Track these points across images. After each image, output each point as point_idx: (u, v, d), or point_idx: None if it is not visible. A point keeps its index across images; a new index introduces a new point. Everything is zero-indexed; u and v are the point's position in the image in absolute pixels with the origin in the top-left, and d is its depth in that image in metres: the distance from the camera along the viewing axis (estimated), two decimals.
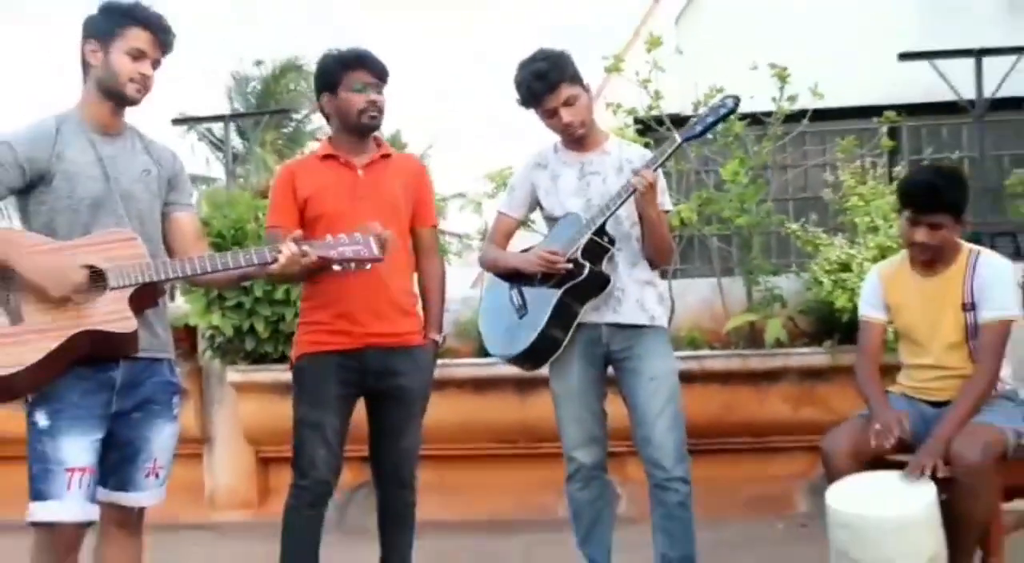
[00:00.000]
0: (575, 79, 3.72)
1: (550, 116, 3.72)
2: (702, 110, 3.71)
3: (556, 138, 3.89)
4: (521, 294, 3.80)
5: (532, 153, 3.95)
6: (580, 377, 3.80)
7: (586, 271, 3.66)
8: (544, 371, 3.88)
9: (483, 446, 5.55)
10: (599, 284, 3.70)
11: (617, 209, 3.67)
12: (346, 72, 3.62)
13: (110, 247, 2.91)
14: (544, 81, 3.66)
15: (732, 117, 5.60)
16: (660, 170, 3.70)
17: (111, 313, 2.85)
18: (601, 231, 3.68)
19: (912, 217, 3.62)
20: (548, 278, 3.72)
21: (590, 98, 3.81)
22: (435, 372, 3.84)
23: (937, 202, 3.59)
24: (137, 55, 3.00)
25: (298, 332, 3.70)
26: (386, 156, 3.74)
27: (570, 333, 3.73)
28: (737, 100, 3.74)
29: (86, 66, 3.04)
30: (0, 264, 2.81)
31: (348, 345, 3.57)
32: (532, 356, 3.80)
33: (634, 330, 3.76)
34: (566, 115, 3.70)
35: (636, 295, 3.77)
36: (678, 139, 3.73)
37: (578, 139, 3.79)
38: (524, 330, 3.75)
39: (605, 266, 3.71)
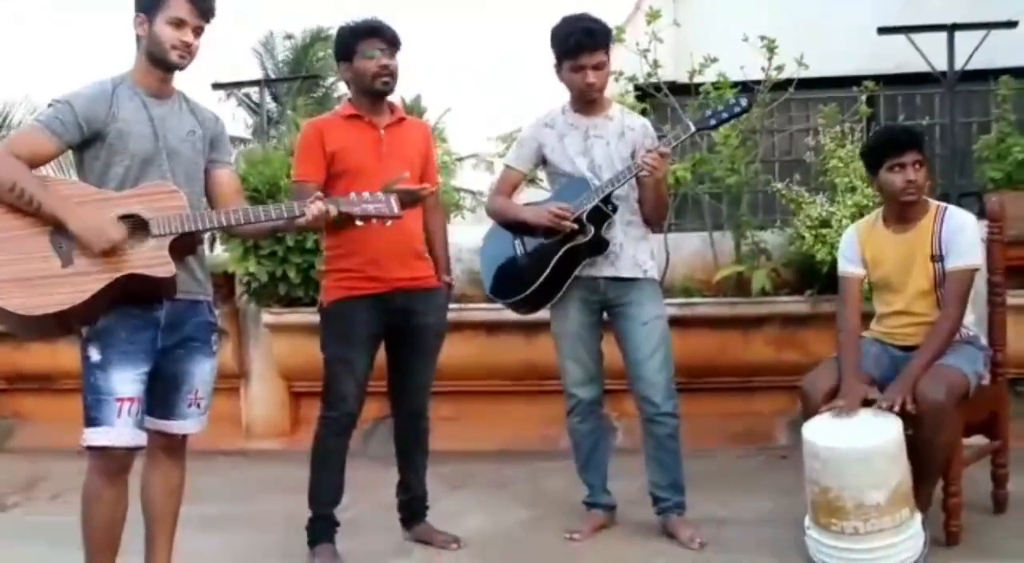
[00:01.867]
0: (608, 51, 3.73)
1: (577, 70, 3.70)
2: (719, 106, 3.72)
3: (563, 101, 3.87)
4: (524, 245, 3.81)
5: (540, 114, 3.92)
6: (579, 322, 3.82)
7: (590, 234, 3.67)
8: (546, 316, 3.90)
9: (494, 383, 5.57)
10: (599, 247, 3.71)
11: (626, 182, 3.67)
12: (359, 41, 3.61)
13: (155, 199, 2.90)
14: (592, 38, 3.66)
15: (730, 90, 5.59)
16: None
17: (153, 258, 2.85)
18: (607, 199, 3.68)
19: (895, 162, 3.60)
20: (551, 234, 3.72)
21: (610, 71, 3.82)
22: (452, 316, 3.87)
23: (912, 139, 3.63)
24: (178, 23, 2.97)
25: (327, 279, 3.71)
26: (402, 119, 3.75)
27: (565, 286, 3.75)
28: (750, 102, 3.76)
29: (138, 37, 3.02)
30: (54, 220, 2.81)
31: (378, 289, 3.59)
32: (529, 303, 3.84)
33: (629, 282, 3.77)
34: (591, 76, 3.69)
35: (631, 251, 3.78)
36: (692, 128, 3.73)
37: (588, 102, 3.77)
38: (524, 279, 3.77)
39: (604, 230, 3.71)
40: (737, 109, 3.74)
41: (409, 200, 3.32)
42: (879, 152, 3.67)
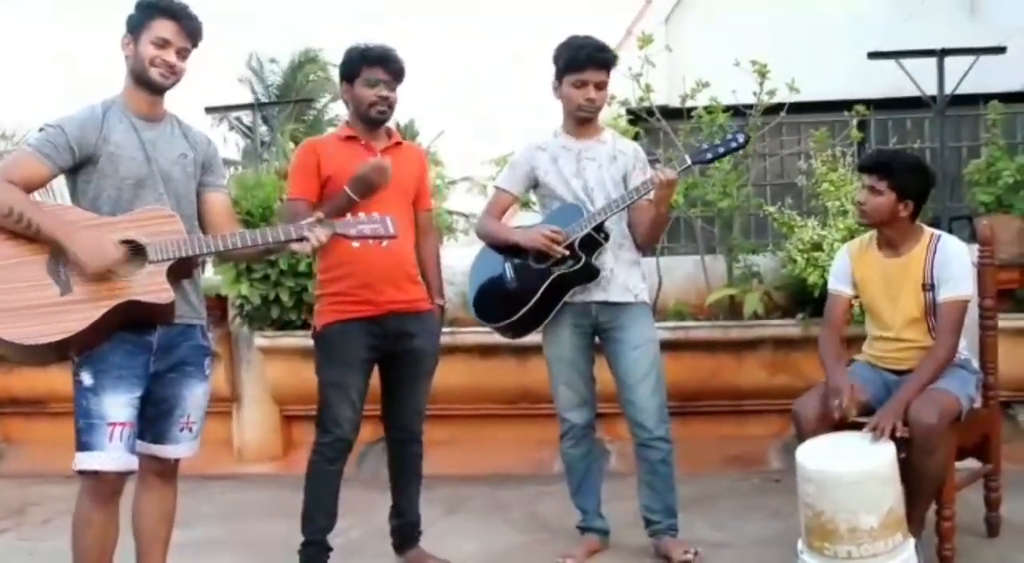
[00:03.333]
0: (609, 73, 3.78)
1: (579, 86, 3.73)
2: (716, 140, 3.75)
3: (556, 125, 3.90)
4: (514, 268, 3.81)
5: (533, 138, 3.95)
6: (571, 346, 3.82)
7: (582, 263, 3.68)
8: (539, 340, 3.90)
9: (487, 406, 5.56)
10: (589, 275, 3.72)
11: (619, 211, 3.68)
12: (364, 67, 3.63)
13: (151, 224, 2.91)
14: (603, 54, 3.73)
15: (722, 114, 5.63)
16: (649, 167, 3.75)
17: (150, 285, 2.86)
18: (599, 227, 3.69)
19: (860, 182, 3.69)
20: (542, 258, 3.72)
21: (607, 94, 3.87)
22: (445, 339, 3.88)
23: (877, 167, 3.63)
24: (161, 44, 2.98)
25: (321, 303, 3.70)
26: (398, 144, 3.77)
27: (553, 313, 3.76)
28: (747, 138, 3.77)
29: (126, 58, 3.04)
30: (52, 241, 2.82)
31: (371, 312, 3.59)
32: (516, 328, 3.85)
33: (620, 306, 3.78)
34: (592, 92, 3.73)
35: (623, 276, 3.79)
36: (688, 161, 3.75)
37: (581, 122, 3.80)
38: (513, 303, 3.78)
39: (595, 258, 3.72)
40: (734, 144, 3.75)
41: (379, 176, 3.40)
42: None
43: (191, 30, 3.05)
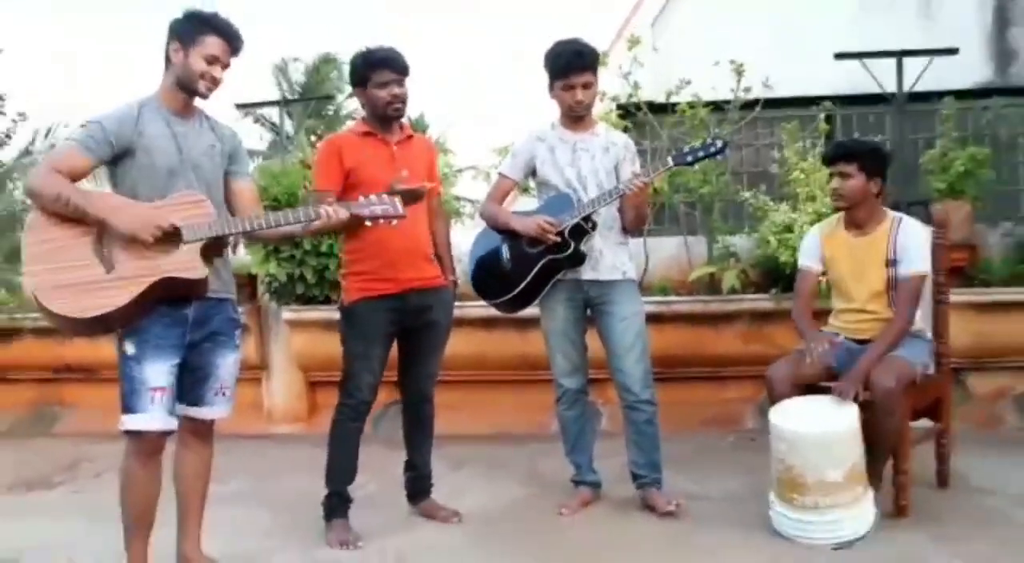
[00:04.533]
0: (596, 72, 3.74)
1: (567, 89, 3.71)
2: (698, 145, 3.69)
3: (553, 118, 3.88)
4: (510, 250, 3.81)
5: (532, 129, 3.93)
6: (565, 319, 3.82)
7: (570, 250, 3.67)
8: (538, 313, 3.90)
9: (491, 373, 5.56)
10: (577, 260, 3.71)
11: (607, 204, 3.66)
12: (372, 70, 3.60)
13: (184, 208, 2.91)
14: (581, 59, 3.67)
15: (703, 109, 5.59)
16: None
17: (186, 262, 2.86)
18: (587, 217, 3.68)
19: (830, 172, 3.69)
20: (535, 243, 3.72)
21: (597, 91, 3.83)
22: (454, 312, 3.87)
23: (843, 155, 3.65)
24: (212, 60, 2.97)
25: (347, 281, 3.68)
26: (410, 136, 3.75)
27: (543, 293, 3.77)
28: (726, 144, 3.73)
29: (168, 61, 3.02)
30: (100, 222, 2.81)
31: (393, 290, 3.59)
32: (509, 305, 3.86)
33: (609, 283, 3.78)
34: (579, 94, 3.70)
35: (611, 256, 3.78)
36: (670, 163, 3.72)
37: (575, 118, 3.78)
38: (507, 282, 3.79)
39: (583, 245, 3.70)
40: (713, 149, 3.69)
41: (411, 198, 3.34)
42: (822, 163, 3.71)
43: (237, 49, 3.04)
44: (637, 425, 3.81)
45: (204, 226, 2.89)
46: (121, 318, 2.84)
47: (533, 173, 3.90)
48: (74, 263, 2.80)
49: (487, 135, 6.15)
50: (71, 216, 2.81)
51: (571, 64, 3.66)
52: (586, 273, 3.76)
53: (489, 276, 3.88)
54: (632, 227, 3.85)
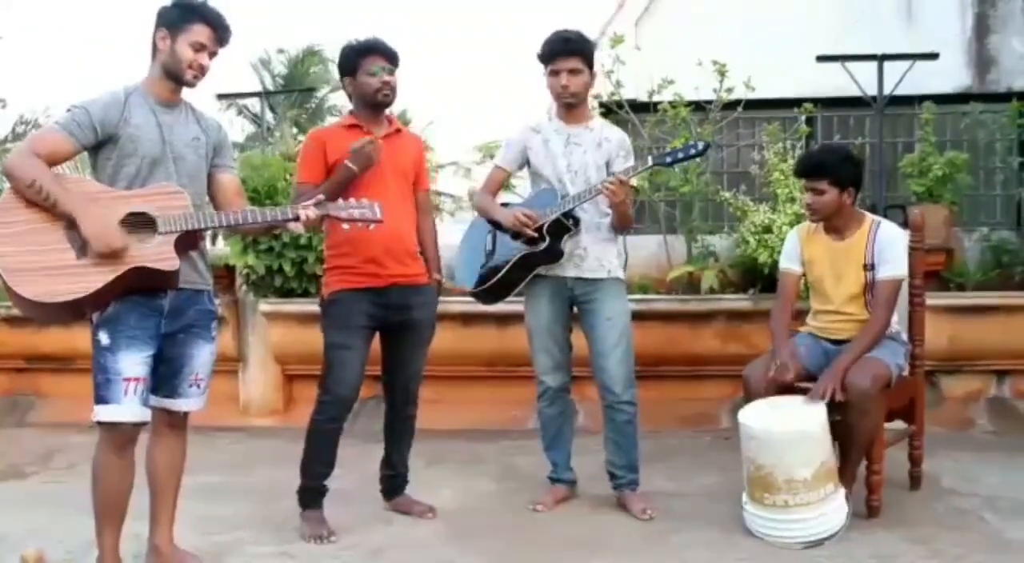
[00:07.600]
0: (586, 60, 3.70)
1: (554, 75, 3.69)
2: (678, 147, 3.70)
3: (548, 108, 3.86)
4: (494, 240, 3.81)
5: (528, 120, 3.92)
6: (549, 316, 3.81)
7: (544, 245, 3.67)
8: (516, 308, 3.89)
9: (470, 369, 5.55)
10: (552, 257, 3.70)
11: (587, 201, 3.65)
12: (362, 59, 3.58)
13: (161, 198, 2.88)
14: (566, 44, 3.66)
15: (684, 109, 5.60)
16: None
17: (159, 253, 2.84)
18: (568, 213, 3.67)
19: (803, 184, 3.71)
20: (517, 236, 3.72)
21: (590, 80, 3.77)
22: (436, 310, 3.84)
23: (815, 170, 3.64)
24: (199, 48, 2.95)
25: (328, 274, 3.64)
26: (398, 131, 3.72)
27: (520, 286, 3.77)
28: (707, 146, 3.73)
29: (155, 49, 2.99)
30: (67, 216, 2.78)
31: (376, 284, 3.55)
32: (485, 295, 3.86)
33: (594, 281, 3.76)
34: (565, 79, 3.67)
35: (596, 253, 3.76)
36: (650, 162, 3.72)
37: (567, 106, 3.75)
38: (487, 272, 3.80)
39: (563, 241, 3.70)
40: (693, 152, 3.69)
41: (364, 160, 3.40)
42: (795, 172, 3.74)
43: (225, 38, 3.02)
44: (617, 425, 3.80)
45: (180, 218, 2.86)
46: (90, 305, 2.82)
47: (527, 164, 3.88)
48: (46, 246, 2.77)
49: (469, 131, 6.15)
50: (41, 204, 2.78)
51: (556, 50, 3.65)
52: (570, 270, 3.75)
53: (473, 265, 3.88)
54: (618, 227, 3.81)
